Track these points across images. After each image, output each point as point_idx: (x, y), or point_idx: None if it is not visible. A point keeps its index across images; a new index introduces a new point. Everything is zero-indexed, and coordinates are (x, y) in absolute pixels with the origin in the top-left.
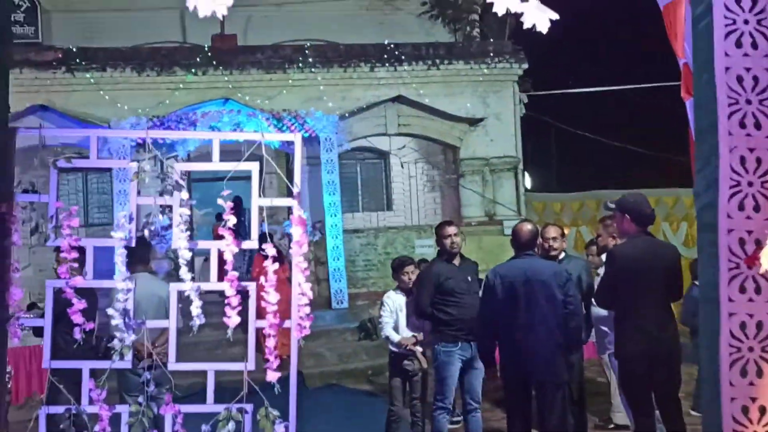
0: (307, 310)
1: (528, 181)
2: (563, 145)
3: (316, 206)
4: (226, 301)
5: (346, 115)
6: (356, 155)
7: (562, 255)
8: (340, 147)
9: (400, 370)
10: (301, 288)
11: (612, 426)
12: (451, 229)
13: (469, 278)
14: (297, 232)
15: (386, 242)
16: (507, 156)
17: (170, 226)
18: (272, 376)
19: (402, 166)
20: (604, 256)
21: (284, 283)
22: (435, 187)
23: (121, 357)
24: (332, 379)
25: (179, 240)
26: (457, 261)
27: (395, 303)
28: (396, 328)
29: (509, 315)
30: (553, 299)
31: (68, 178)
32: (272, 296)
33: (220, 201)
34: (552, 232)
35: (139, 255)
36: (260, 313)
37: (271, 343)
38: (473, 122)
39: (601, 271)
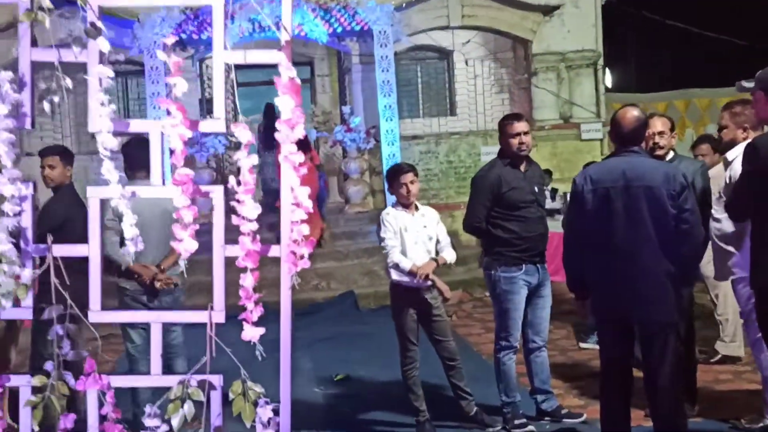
0: (305, 229)
1: (609, 79)
2: (645, 37)
3: (371, 110)
4: (176, 215)
5: (403, 5)
6: (416, 55)
7: (670, 155)
8: (397, 42)
9: (413, 307)
10: (295, 195)
11: (717, 358)
12: (521, 125)
13: (536, 188)
14: (285, 105)
15: (449, 149)
16: (586, 50)
17: (211, 132)
18: (250, 334)
19: (466, 64)
20: (732, 154)
21: (312, 174)
22: (503, 88)
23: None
24: (388, 298)
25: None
26: (523, 166)
27: (398, 222)
28: (404, 253)
29: (603, 234)
30: (664, 214)
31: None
32: (248, 209)
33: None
34: (659, 124)
35: (139, 159)
36: None
37: (248, 281)
38: (548, 11)
39: (715, 175)
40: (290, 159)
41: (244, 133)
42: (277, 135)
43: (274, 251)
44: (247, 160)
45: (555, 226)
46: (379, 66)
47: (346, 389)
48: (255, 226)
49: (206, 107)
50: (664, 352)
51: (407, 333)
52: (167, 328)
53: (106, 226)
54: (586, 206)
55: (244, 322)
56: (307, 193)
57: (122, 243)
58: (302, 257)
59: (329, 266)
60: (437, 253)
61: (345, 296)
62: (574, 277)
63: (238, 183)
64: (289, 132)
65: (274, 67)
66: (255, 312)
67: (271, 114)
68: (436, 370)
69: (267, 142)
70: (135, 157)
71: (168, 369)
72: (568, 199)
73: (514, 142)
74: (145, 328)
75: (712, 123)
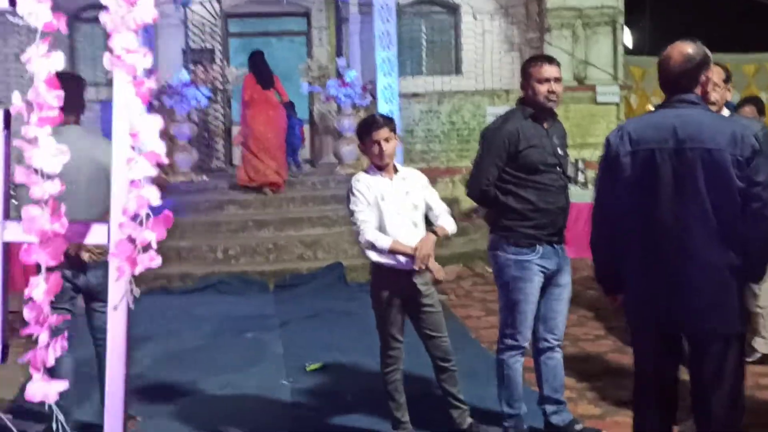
0: (153, 196)
1: (628, 39)
2: None
3: (368, 64)
4: None
5: None
6: (421, 9)
7: (725, 113)
8: None
9: (397, 294)
10: (136, 135)
11: (756, 357)
12: (552, 69)
13: (560, 150)
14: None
15: (452, 109)
16: (605, 6)
17: (192, 82)
18: (40, 391)
19: (475, 19)
20: None
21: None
22: (513, 46)
23: None
24: None
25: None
26: (547, 122)
27: (372, 190)
28: (382, 229)
29: (644, 212)
30: (727, 187)
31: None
32: (43, 156)
33: None
34: (714, 73)
35: (67, 99)
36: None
37: (38, 291)
38: None
39: None
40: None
41: None
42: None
43: (96, 233)
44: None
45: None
46: (379, 15)
47: (319, 383)
48: (57, 187)
49: (190, 57)
50: (722, 371)
51: (390, 327)
52: (96, 309)
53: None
54: (623, 174)
55: (32, 371)
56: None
57: None
58: (147, 248)
59: (316, 233)
60: (428, 224)
61: (332, 268)
62: (604, 267)
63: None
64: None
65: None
66: (52, 351)
67: (258, 62)
68: (421, 365)
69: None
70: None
71: (99, 363)
72: (592, 166)
73: (542, 89)
74: (70, 309)
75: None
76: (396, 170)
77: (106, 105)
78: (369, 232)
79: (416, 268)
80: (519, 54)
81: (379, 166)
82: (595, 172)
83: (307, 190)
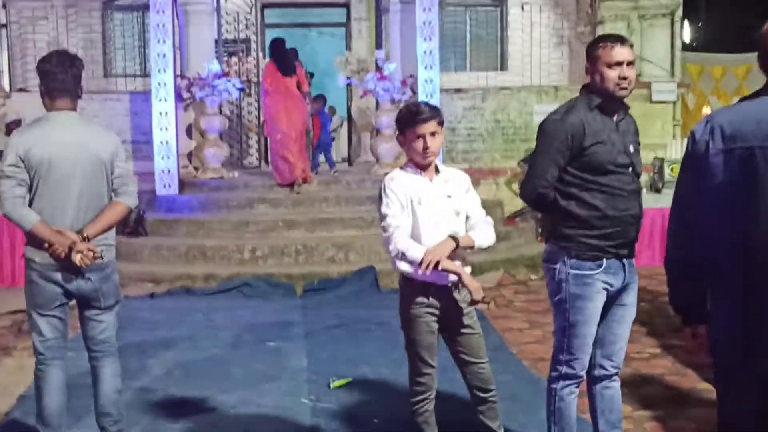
0: None
1: (687, 34)
2: None
3: (409, 57)
4: None
5: None
6: (466, 1)
7: None
8: None
9: (432, 312)
10: None
11: None
12: (624, 52)
13: (632, 147)
14: None
15: (497, 106)
16: None
17: (224, 74)
18: None
19: (522, 10)
20: None
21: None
22: (562, 40)
23: None
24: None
25: None
26: (617, 114)
27: (408, 191)
28: (416, 237)
29: (741, 224)
30: None
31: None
32: None
33: None
34: None
35: (62, 81)
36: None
37: None
38: None
39: None
40: None
41: None
42: None
43: None
44: None
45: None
46: (420, 4)
47: (343, 403)
48: None
49: (223, 48)
50: None
51: (421, 349)
52: (91, 317)
53: (5, 174)
54: (712, 178)
55: None
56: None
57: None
58: None
59: (349, 235)
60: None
61: (364, 272)
62: (684, 292)
63: None
64: None
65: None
66: None
67: (277, 49)
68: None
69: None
70: (55, 77)
71: (94, 376)
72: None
73: (612, 75)
74: (61, 317)
75: None
76: (437, 170)
77: (136, 96)
78: (400, 240)
79: (420, 272)
80: (568, 48)
81: (420, 164)
82: (649, 175)
83: (342, 190)
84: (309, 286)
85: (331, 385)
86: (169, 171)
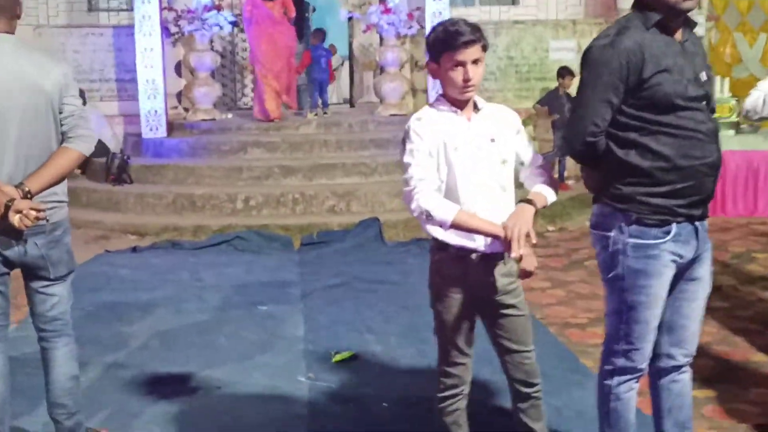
0: None
1: None
2: None
3: None
4: None
5: None
6: None
7: None
8: None
9: (467, 289)
10: None
11: None
12: None
13: (704, 74)
14: None
15: (510, 42)
16: None
17: (215, 6)
18: None
19: None
20: None
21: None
22: None
23: None
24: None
25: None
26: (679, 33)
27: (440, 135)
28: (451, 194)
29: None
30: None
31: None
32: None
33: None
34: None
35: None
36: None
37: None
38: None
39: None
40: None
41: None
42: None
43: None
44: None
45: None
46: None
47: (346, 382)
48: None
49: None
50: None
51: (454, 334)
52: (38, 290)
53: None
54: None
55: None
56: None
57: None
58: None
59: (351, 183)
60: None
61: (367, 224)
62: None
63: None
64: None
65: None
66: None
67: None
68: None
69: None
70: None
71: (45, 360)
72: None
73: None
74: (0, 290)
75: None
76: (477, 107)
77: (120, 31)
78: (425, 196)
79: (513, 256)
80: None
81: (457, 101)
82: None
83: (343, 133)
84: (307, 239)
85: (333, 359)
86: (155, 112)
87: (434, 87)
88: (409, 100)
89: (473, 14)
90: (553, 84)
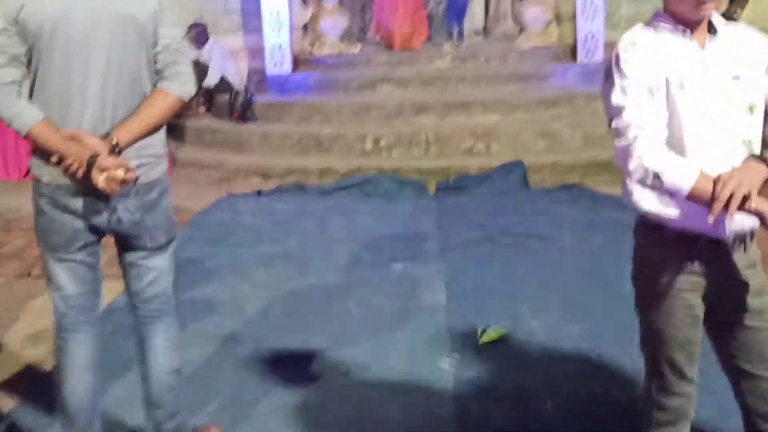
0: None
1: None
2: None
3: None
4: None
5: None
6: None
7: None
8: None
9: (693, 285)
10: None
11: None
12: None
13: None
14: None
15: None
16: None
17: None
18: None
19: None
20: None
21: None
22: None
23: None
24: (573, 174)
25: None
26: None
27: (663, 66)
28: (675, 146)
29: None
30: None
31: None
32: None
33: None
34: None
35: None
36: None
37: None
38: None
39: None
40: None
41: None
42: None
43: None
44: None
45: None
46: None
47: (499, 370)
48: None
49: None
50: None
51: (674, 350)
52: (134, 263)
53: None
54: None
55: None
56: None
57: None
58: None
59: (490, 121)
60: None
61: (509, 167)
62: None
63: None
64: None
65: None
66: None
67: None
68: None
69: None
70: None
71: (142, 349)
72: None
73: None
74: (88, 261)
75: None
76: (713, 29)
77: None
78: (650, 153)
79: (710, 219)
80: None
81: (687, 19)
82: None
83: (480, 67)
84: (443, 184)
85: (480, 339)
86: (280, 47)
87: (584, 13)
88: (553, 28)
89: None
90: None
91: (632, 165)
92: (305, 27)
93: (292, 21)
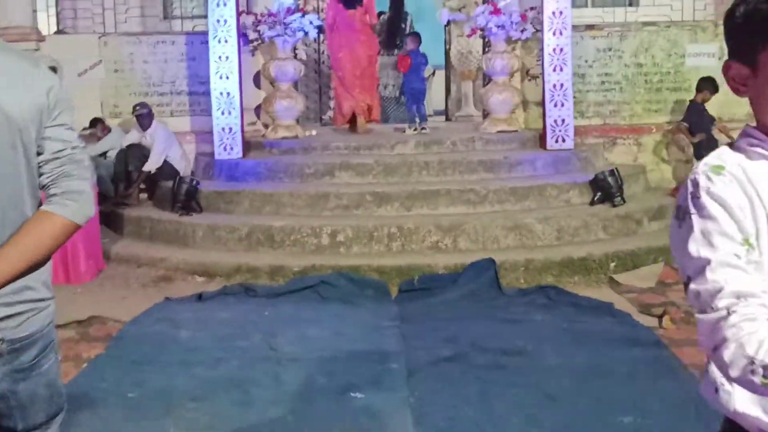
0: None
1: None
2: None
3: None
4: None
5: None
6: None
7: None
8: None
9: None
10: None
11: None
12: None
13: None
14: None
15: (638, 46)
16: None
17: (301, 10)
18: None
19: None
20: None
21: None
22: None
23: None
24: (547, 274)
25: None
26: None
27: (758, 203)
28: None
29: None
30: None
31: None
32: None
33: None
34: None
35: None
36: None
37: None
38: None
39: None
40: None
41: None
42: None
43: None
44: None
45: None
46: None
47: None
48: None
49: None
50: None
51: None
52: None
53: None
54: None
55: None
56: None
57: None
58: None
59: (457, 213)
60: None
61: (480, 266)
62: None
63: None
64: None
65: None
66: None
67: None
68: None
69: (389, 40)
70: None
71: None
72: None
73: None
74: None
75: None
76: None
77: (193, 38)
78: (756, 334)
79: None
80: None
81: None
82: None
83: (446, 152)
84: (407, 285)
85: None
86: (230, 129)
87: (552, 99)
88: (519, 114)
89: (587, 14)
90: (689, 95)
91: (728, 354)
92: (258, 109)
93: (243, 102)
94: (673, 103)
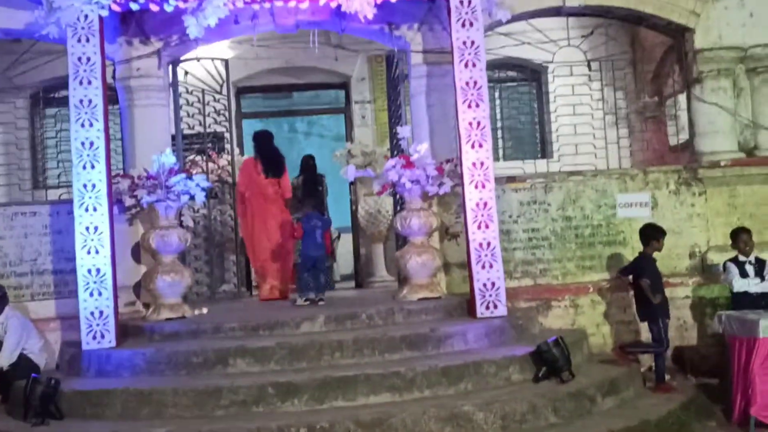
0: None
1: None
2: None
3: (442, 136)
4: None
5: None
6: (491, 76)
7: None
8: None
9: None
10: None
11: None
12: None
13: None
14: None
15: (564, 198)
16: None
17: (185, 171)
18: None
19: (590, 69)
20: None
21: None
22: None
23: None
24: None
25: None
26: None
27: None
28: None
29: None
30: None
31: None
32: None
33: None
34: None
35: None
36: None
37: None
38: None
39: None
40: None
41: None
42: None
43: None
44: None
45: None
46: (460, 58)
47: None
48: None
49: (183, 141)
50: None
51: None
52: None
53: None
54: None
55: None
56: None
57: None
58: None
59: (380, 404)
60: None
61: None
62: None
63: None
64: None
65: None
66: None
67: (264, 144)
68: None
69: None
70: None
71: None
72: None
73: None
74: None
75: None
76: None
77: (59, 208)
78: None
79: None
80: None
81: None
82: None
83: (361, 328)
84: None
85: None
86: (101, 313)
87: (479, 260)
88: (441, 278)
89: (513, 167)
90: (624, 249)
91: None
92: (138, 287)
93: (119, 280)
94: (607, 258)
